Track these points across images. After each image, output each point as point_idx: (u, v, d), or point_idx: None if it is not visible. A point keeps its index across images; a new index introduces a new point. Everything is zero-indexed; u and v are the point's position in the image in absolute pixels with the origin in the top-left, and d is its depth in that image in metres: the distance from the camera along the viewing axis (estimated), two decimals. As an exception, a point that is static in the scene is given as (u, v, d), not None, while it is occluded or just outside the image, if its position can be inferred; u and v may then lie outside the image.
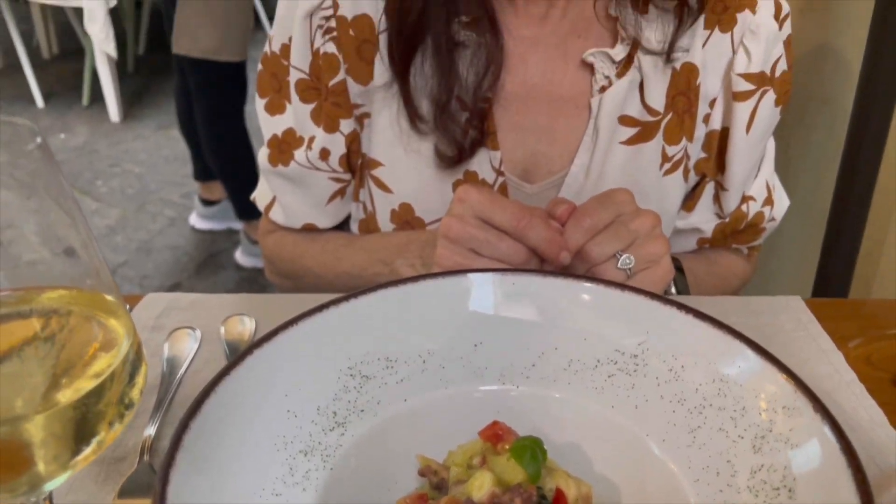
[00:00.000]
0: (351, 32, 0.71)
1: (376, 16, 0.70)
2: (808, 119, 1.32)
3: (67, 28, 3.75)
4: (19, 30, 3.32)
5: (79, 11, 3.10)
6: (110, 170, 2.93)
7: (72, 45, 3.84)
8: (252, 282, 2.33)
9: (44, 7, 3.58)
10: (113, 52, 3.00)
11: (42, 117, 3.34)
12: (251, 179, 2.35)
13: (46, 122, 3.29)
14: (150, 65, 3.89)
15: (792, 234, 1.32)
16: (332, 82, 0.72)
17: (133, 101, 3.51)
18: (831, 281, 1.03)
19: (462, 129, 0.70)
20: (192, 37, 1.95)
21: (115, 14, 2.99)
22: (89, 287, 0.33)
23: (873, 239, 1.07)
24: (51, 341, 0.32)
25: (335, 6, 0.70)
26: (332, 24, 0.71)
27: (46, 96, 3.46)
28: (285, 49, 0.74)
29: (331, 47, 0.71)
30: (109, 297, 0.33)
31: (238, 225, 2.46)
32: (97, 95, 3.33)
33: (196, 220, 2.58)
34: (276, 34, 0.74)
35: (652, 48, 0.70)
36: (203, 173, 2.47)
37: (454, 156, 0.71)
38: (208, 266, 2.40)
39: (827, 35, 1.27)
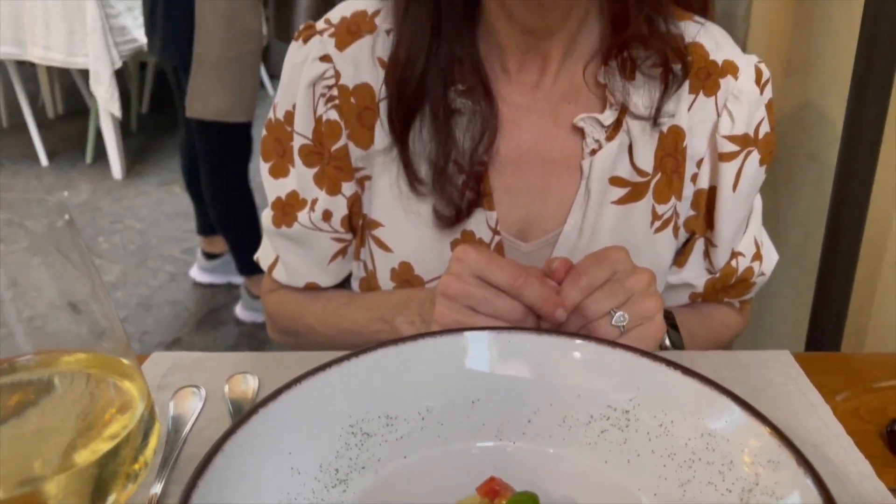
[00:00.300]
0: (352, 100, 0.74)
1: (377, 85, 0.74)
2: (796, 175, 1.36)
3: (73, 89, 3.84)
4: (26, 90, 3.39)
5: (84, 73, 3.18)
6: (112, 226, 2.97)
7: (76, 105, 3.92)
8: (252, 337, 2.34)
9: (50, 69, 3.67)
10: (117, 112, 3.07)
11: (46, 175, 3.39)
12: (253, 235, 2.38)
13: (50, 180, 3.34)
14: (152, 123, 3.97)
15: (784, 288, 1.34)
16: (334, 147, 0.76)
17: (136, 158, 3.57)
18: (824, 334, 1.05)
19: (459, 191, 0.73)
20: (205, 101, 2.00)
21: (119, 75, 3.07)
22: (106, 350, 0.35)
23: (864, 291, 1.09)
24: (69, 404, 0.34)
25: (337, 76, 0.74)
26: (335, 92, 0.74)
27: (50, 155, 3.52)
28: (289, 116, 0.77)
29: (333, 114, 0.75)
30: (125, 361, 0.35)
31: (238, 279, 2.48)
32: (100, 153, 3.39)
33: (197, 273, 2.60)
34: (280, 102, 0.78)
35: (639, 113, 0.73)
36: (206, 227, 2.51)
37: (452, 216, 0.74)
38: (208, 321, 2.41)
39: (810, 93, 1.31)
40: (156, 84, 4.02)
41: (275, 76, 3.34)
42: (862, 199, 0.99)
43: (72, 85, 3.84)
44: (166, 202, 3.16)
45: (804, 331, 1.11)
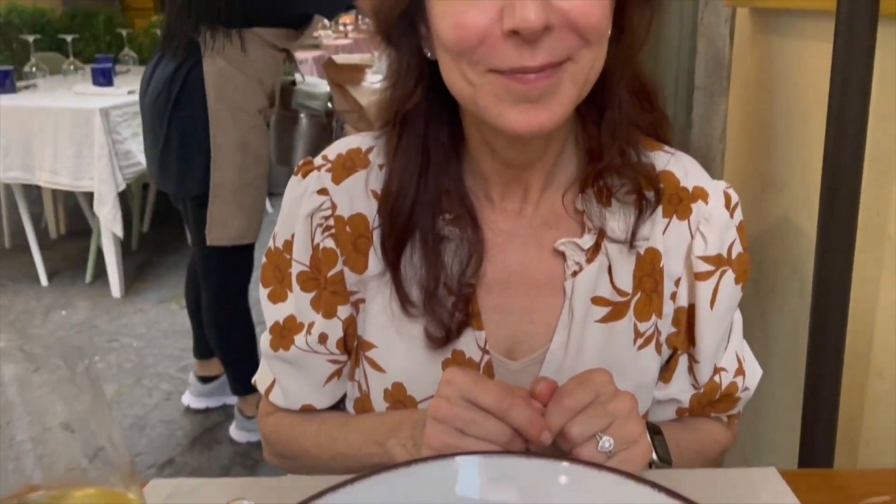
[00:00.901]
0: (347, 229, 0.79)
1: (370, 215, 0.79)
2: (779, 288, 1.40)
3: (76, 209, 3.94)
4: (30, 212, 3.48)
5: (88, 194, 3.28)
6: (108, 345, 2.97)
7: (79, 226, 4.01)
8: (246, 456, 2.31)
9: (55, 191, 3.78)
10: (119, 233, 3.15)
11: (45, 295, 3.43)
12: (250, 357, 2.37)
13: (49, 300, 3.37)
14: (152, 241, 4.05)
15: (776, 400, 1.35)
16: (330, 273, 0.80)
17: (135, 276, 3.62)
18: (815, 447, 1.05)
19: (449, 313, 0.76)
20: (224, 228, 2.04)
21: (122, 195, 3.16)
22: (115, 486, 0.37)
23: (853, 403, 1.10)
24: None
25: (333, 207, 0.79)
26: (331, 222, 0.79)
27: (51, 275, 3.57)
28: (288, 245, 0.82)
29: (329, 242, 0.79)
30: (131, 496, 0.37)
31: (232, 400, 2.46)
32: (100, 272, 3.44)
33: (191, 399, 2.56)
34: (280, 231, 0.83)
35: (616, 237, 0.77)
36: (204, 351, 2.50)
37: (442, 337, 0.77)
38: (202, 441, 2.38)
39: (787, 210, 1.37)
40: (157, 203, 4.14)
41: (273, 194, 3.44)
42: (841, 311, 1.02)
43: (75, 206, 3.94)
44: (164, 319, 3.19)
45: (796, 442, 1.11)
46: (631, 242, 0.77)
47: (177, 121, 1.98)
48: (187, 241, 2.46)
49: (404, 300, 0.77)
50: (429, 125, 0.76)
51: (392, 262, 0.77)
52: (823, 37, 0.94)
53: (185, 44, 1.96)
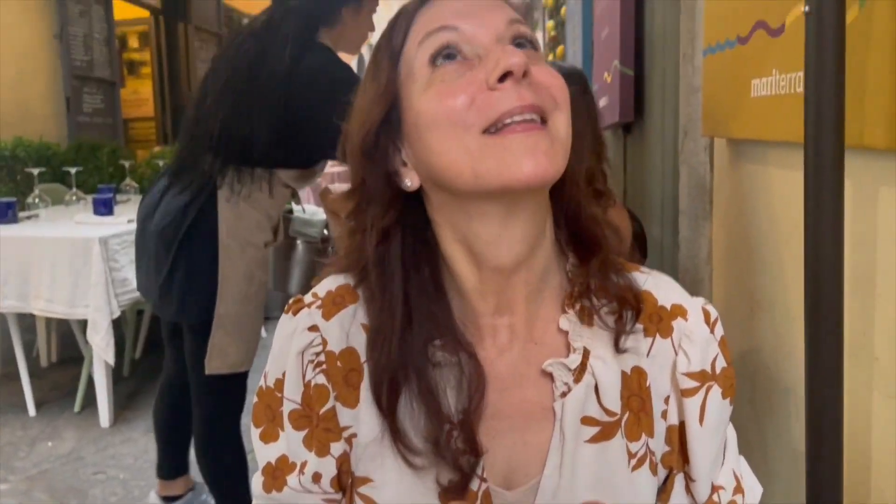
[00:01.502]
0: (339, 364, 0.79)
1: (361, 348, 0.79)
2: (776, 407, 1.39)
3: (68, 336, 3.92)
4: (22, 340, 3.46)
5: (82, 321, 3.26)
6: (94, 477, 2.88)
7: (70, 353, 3.98)
8: None
9: (49, 319, 3.77)
10: (111, 360, 3.12)
11: (32, 425, 3.35)
12: (241, 484, 2.29)
13: (35, 431, 3.30)
14: (145, 368, 4.01)
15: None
16: (322, 410, 0.79)
17: (125, 404, 3.56)
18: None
19: (458, 455, 0.75)
20: (224, 357, 2.03)
21: (116, 321, 3.15)
22: None
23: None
24: None
25: (324, 343, 0.80)
26: (322, 358, 0.80)
27: (39, 404, 3.51)
28: (279, 383, 0.82)
29: (321, 378, 0.79)
30: None
31: None
32: (90, 401, 3.38)
33: None
34: (271, 371, 0.83)
35: (600, 356, 0.79)
36: (169, 471, 2.43)
37: (458, 480, 0.75)
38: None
39: (777, 329, 1.39)
40: (151, 329, 4.12)
41: (268, 318, 3.44)
42: (835, 430, 1.02)
43: (68, 333, 3.92)
44: (152, 449, 3.07)
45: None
46: (616, 361, 0.79)
47: (185, 251, 1.99)
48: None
49: (406, 451, 0.76)
50: (405, 258, 0.78)
51: (388, 412, 0.76)
52: (796, 166, 0.99)
53: (200, 178, 1.99)
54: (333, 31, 2.04)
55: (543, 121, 0.71)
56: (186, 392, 2.22)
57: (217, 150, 1.96)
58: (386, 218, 0.77)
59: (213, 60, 2.12)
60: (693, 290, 2.03)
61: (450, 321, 0.78)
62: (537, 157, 0.69)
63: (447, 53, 0.73)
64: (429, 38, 0.74)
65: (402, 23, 0.78)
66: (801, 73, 0.93)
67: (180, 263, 2.00)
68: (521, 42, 0.75)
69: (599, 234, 0.81)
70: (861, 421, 1.06)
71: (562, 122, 0.73)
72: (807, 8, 0.87)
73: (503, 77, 0.70)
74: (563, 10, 4.98)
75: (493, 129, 0.70)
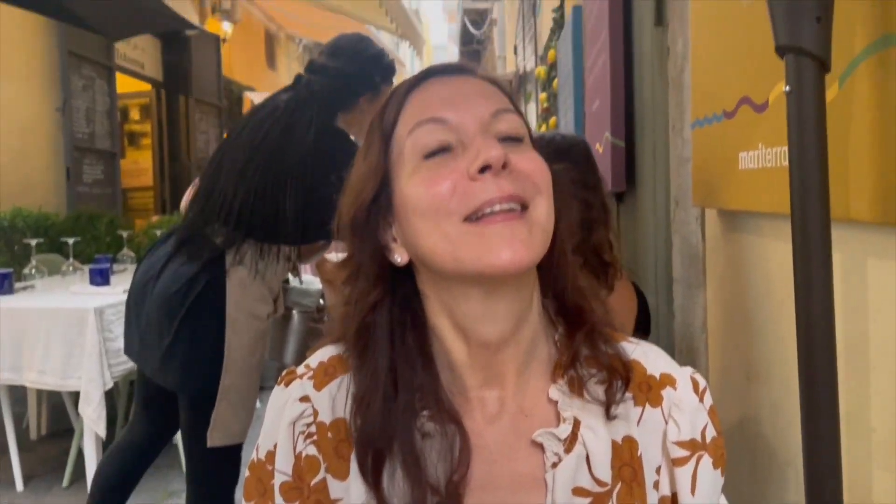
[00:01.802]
0: (329, 435, 0.79)
1: (350, 419, 0.79)
2: (775, 479, 1.37)
3: (59, 409, 3.86)
4: (13, 412, 3.41)
5: (74, 393, 3.22)
6: (80, 558, 2.80)
7: (61, 426, 3.92)
8: None
9: (40, 390, 3.72)
10: (102, 433, 3.07)
11: (19, 501, 3.27)
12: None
13: (22, 507, 3.22)
14: (136, 440, 3.93)
15: None
16: (313, 482, 0.79)
17: (115, 478, 3.48)
18: None
19: None
20: (226, 429, 2.02)
21: (108, 393, 3.11)
22: None
23: None
24: None
25: (315, 413, 0.80)
26: (313, 429, 0.80)
27: (27, 479, 3.44)
28: (270, 456, 0.82)
29: (312, 450, 0.79)
30: None
31: None
32: (79, 475, 3.31)
33: None
34: (262, 443, 0.83)
35: (590, 426, 0.78)
36: None
37: None
38: None
39: (774, 398, 1.38)
40: (144, 401, 4.06)
41: (263, 388, 3.39)
42: (835, 498, 1.00)
43: (59, 404, 3.87)
44: (141, 526, 3.02)
45: None
46: (606, 431, 0.78)
47: (190, 321, 1.98)
48: (171, 442, 2.37)
49: None
50: (393, 329, 0.79)
51: (373, 482, 0.76)
52: (785, 237, 1.00)
53: (210, 251, 2.01)
54: (348, 115, 2.16)
55: (524, 207, 0.74)
56: (144, 457, 2.21)
57: (237, 225, 2.00)
58: (375, 291, 0.79)
59: (228, 138, 2.17)
60: (689, 357, 2.01)
61: (437, 392, 0.78)
62: (514, 246, 0.72)
63: (439, 151, 0.77)
64: (418, 129, 0.77)
65: (393, 104, 0.81)
66: (787, 148, 0.95)
67: (185, 333, 1.99)
68: (504, 138, 0.78)
69: (587, 307, 0.82)
70: (862, 495, 1.04)
71: (542, 207, 0.75)
72: (787, 88, 0.90)
73: (483, 168, 0.73)
74: (555, 82, 5.11)
75: (474, 217, 0.73)
